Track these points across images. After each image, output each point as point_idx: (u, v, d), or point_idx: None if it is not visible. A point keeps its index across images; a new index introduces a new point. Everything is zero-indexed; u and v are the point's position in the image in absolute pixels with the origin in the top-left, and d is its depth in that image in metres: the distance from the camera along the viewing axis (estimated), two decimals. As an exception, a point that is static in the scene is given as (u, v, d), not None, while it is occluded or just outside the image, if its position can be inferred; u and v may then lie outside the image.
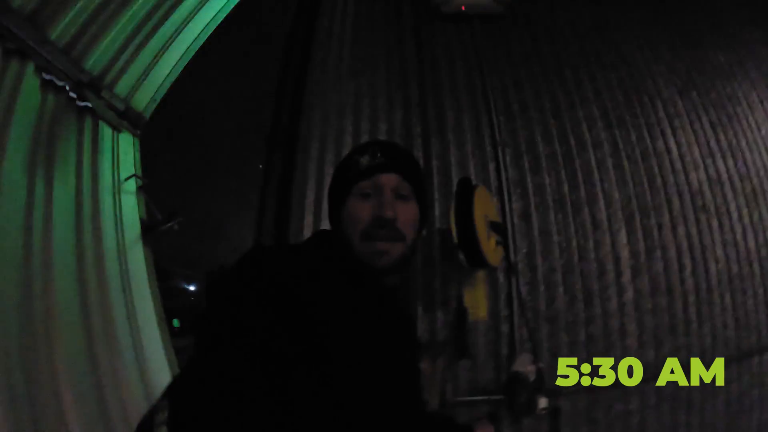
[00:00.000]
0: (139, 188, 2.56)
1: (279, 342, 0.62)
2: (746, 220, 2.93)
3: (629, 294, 2.59)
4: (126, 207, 2.45)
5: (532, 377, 2.27)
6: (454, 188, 2.30)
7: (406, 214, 0.81)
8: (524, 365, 2.27)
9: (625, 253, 2.66)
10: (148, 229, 2.54)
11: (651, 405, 2.45)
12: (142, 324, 2.30)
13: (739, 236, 2.87)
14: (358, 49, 3.01)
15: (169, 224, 2.54)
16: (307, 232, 2.50)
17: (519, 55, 3.12)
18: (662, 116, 3.07)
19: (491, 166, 2.74)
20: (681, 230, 2.77)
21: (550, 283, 2.55)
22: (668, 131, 3.03)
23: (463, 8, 3.18)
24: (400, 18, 3.21)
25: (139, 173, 2.56)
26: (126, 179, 2.47)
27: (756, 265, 2.84)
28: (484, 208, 2.28)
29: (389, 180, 0.82)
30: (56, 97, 2.05)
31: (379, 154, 0.85)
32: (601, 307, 2.54)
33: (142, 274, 2.47)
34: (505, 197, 2.65)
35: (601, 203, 2.74)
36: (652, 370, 2.47)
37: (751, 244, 2.88)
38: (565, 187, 2.74)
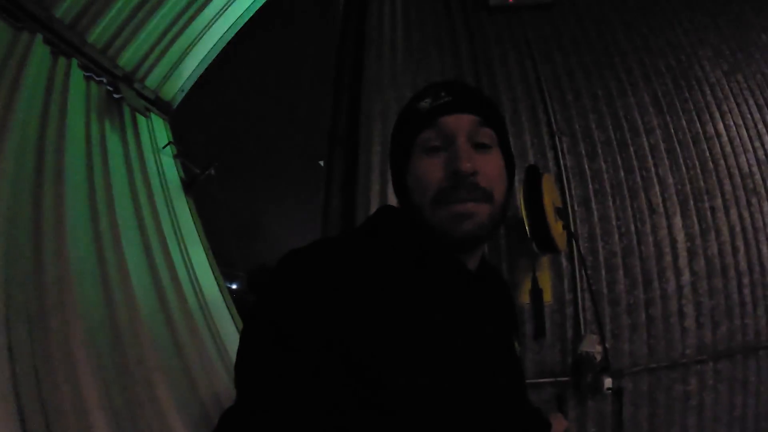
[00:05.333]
0: (175, 156, 2.89)
1: (339, 385, 0.51)
2: (795, 201, 2.99)
3: (686, 276, 2.66)
4: (167, 168, 2.78)
5: (598, 358, 2.37)
6: (522, 176, 2.35)
7: (488, 165, 0.63)
8: (592, 346, 2.36)
9: (681, 237, 2.73)
10: (189, 184, 2.86)
11: (709, 386, 2.54)
12: (198, 270, 2.53)
13: (789, 218, 2.93)
14: (410, 44, 3.03)
15: (206, 173, 2.88)
16: None
17: (569, 44, 3.15)
18: (710, 100, 3.11)
19: (550, 155, 2.80)
20: (733, 213, 2.83)
21: (611, 267, 2.62)
22: (717, 115, 3.07)
23: (510, 0, 3.21)
24: (449, 12, 3.24)
25: (174, 147, 2.89)
26: (164, 147, 2.80)
27: (807, 246, 2.91)
28: (551, 194, 2.35)
29: (461, 123, 0.64)
30: (99, 88, 2.40)
31: (443, 93, 0.66)
32: (660, 290, 2.62)
33: (189, 222, 2.78)
34: (565, 184, 2.71)
35: (657, 188, 2.80)
36: (710, 352, 2.56)
37: (801, 225, 2.94)
38: (621, 173, 2.80)
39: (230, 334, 2.46)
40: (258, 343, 0.53)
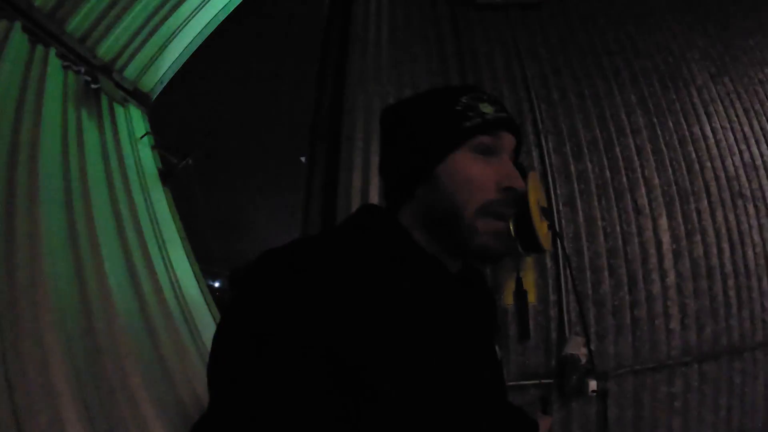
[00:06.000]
0: (153, 147, 2.83)
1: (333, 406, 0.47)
2: (780, 205, 2.98)
3: (671, 278, 2.64)
4: (145, 158, 2.72)
5: (583, 360, 2.33)
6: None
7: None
8: (577, 348, 2.32)
9: (666, 238, 2.70)
10: (166, 174, 2.81)
11: (694, 388, 2.51)
12: (174, 260, 2.48)
13: (774, 220, 2.93)
14: (395, 40, 3.00)
15: (184, 162, 2.84)
16: None
17: (556, 43, 3.13)
18: (697, 102, 3.10)
19: (535, 153, 2.76)
20: (719, 215, 2.82)
21: (596, 268, 2.59)
22: (704, 117, 3.06)
23: (498, -3, 3.19)
24: (435, 8, 3.21)
25: (152, 138, 2.84)
26: (141, 137, 2.74)
27: (791, 249, 2.90)
28: (536, 193, 2.31)
29: (511, 142, 0.66)
30: (76, 77, 2.35)
31: (500, 107, 0.67)
32: (645, 291, 2.59)
33: (166, 212, 2.72)
34: (551, 184, 2.68)
35: (643, 189, 2.78)
36: (695, 353, 2.53)
37: (786, 228, 2.94)
38: (608, 173, 2.77)
39: (207, 323, 2.41)
40: (236, 347, 0.49)
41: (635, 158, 2.85)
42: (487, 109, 0.64)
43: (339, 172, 2.61)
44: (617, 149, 2.85)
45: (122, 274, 1.93)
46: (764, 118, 3.18)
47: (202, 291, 2.57)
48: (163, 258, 2.35)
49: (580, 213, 2.67)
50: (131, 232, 2.16)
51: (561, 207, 2.67)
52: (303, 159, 2.88)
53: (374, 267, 0.56)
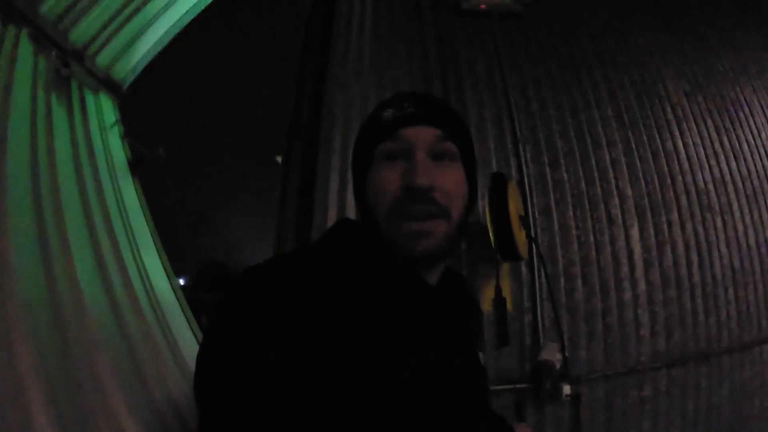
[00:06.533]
0: (123, 136, 2.75)
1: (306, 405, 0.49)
2: (747, 219, 3.10)
3: (642, 286, 2.71)
4: (114, 148, 2.64)
5: (558, 365, 2.38)
6: (488, 183, 2.36)
7: (448, 180, 0.62)
8: (552, 354, 2.37)
9: (638, 248, 2.78)
10: (136, 164, 2.75)
11: (663, 392, 2.58)
12: (140, 243, 2.43)
13: (740, 234, 3.04)
14: (377, 41, 3.03)
15: (155, 152, 2.77)
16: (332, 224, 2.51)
17: (537, 54, 3.20)
18: (671, 118, 3.21)
19: (513, 162, 2.82)
20: (689, 227, 2.91)
21: (570, 276, 2.65)
22: (677, 133, 3.16)
23: (483, 6, 3.25)
24: (419, 12, 3.25)
25: (121, 127, 2.76)
26: (111, 126, 2.68)
27: (756, 262, 3.01)
28: (515, 202, 2.36)
29: (422, 135, 0.62)
30: (47, 62, 2.26)
31: (406, 104, 0.65)
32: (617, 299, 2.66)
33: (135, 202, 2.66)
34: (527, 192, 2.74)
35: (616, 200, 2.86)
36: (664, 359, 2.61)
37: (752, 241, 3.05)
38: (583, 184, 2.85)
39: (179, 322, 2.38)
40: (220, 359, 0.51)
41: (610, 170, 2.93)
42: (387, 113, 0.65)
43: (316, 174, 2.62)
44: (593, 160, 2.93)
45: (91, 266, 1.90)
46: (734, 135, 3.31)
47: (172, 285, 2.55)
48: (132, 249, 2.31)
49: (556, 222, 2.73)
50: (100, 222, 2.11)
51: (537, 215, 2.73)
52: (278, 158, 2.88)
53: (350, 279, 0.58)
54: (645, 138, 3.07)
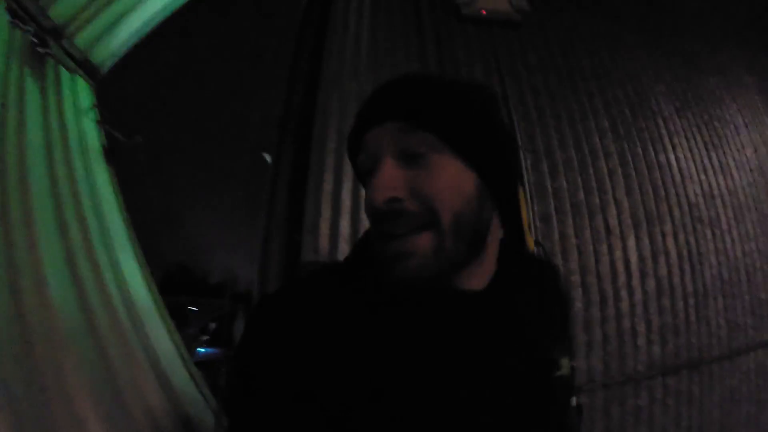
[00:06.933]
0: (98, 121, 2.66)
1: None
2: (734, 232, 3.20)
3: (638, 295, 2.75)
4: (88, 133, 2.54)
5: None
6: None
7: (423, 181, 0.51)
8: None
9: (634, 258, 2.82)
10: (110, 152, 2.66)
11: (658, 399, 2.61)
12: (115, 238, 2.36)
13: (728, 246, 3.13)
14: (375, 40, 2.98)
15: (132, 140, 2.71)
16: (324, 228, 2.43)
17: (535, 64, 3.24)
18: (663, 132, 3.29)
19: (515, 169, 2.83)
20: (681, 238, 2.98)
21: (569, 284, 2.66)
22: (669, 147, 3.25)
23: (483, 12, 3.27)
24: (418, 13, 3.24)
25: (97, 112, 2.67)
26: (87, 110, 2.58)
27: (743, 273, 3.11)
28: (524, 210, 2.36)
29: (382, 136, 0.52)
30: (23, 36, 2.17)
31: (369, 101, 0.56)
32: (615, 308, 2.68)
33: (108, 190, 2.56)
34: (528, 200, 2.75)
35: (614, 210, 2.90)
36: (659, 367, 2.64)
37: (739, 253, 3.15)
38: (582, 193, 2.88)
39: (155, 325, 2.26)
40: (235, 390, 0.55)
41: (607, 180, 2.98)
42: (355, 119, 0.58)
43: (309, 173, 2.54)
44: (591, 170, 2.97)
45: (59, 257, 1.77)
46: (721, 151, 3.42)
47: (146, 282, 2.43)
48: (104, 242, 2.19)
49: (556, 230, 2.74)
50: (69, 208, 1.99)
51: (538, 224, 2.74)
52: (266, 156, 2.79)
53: (363, 307, 0.54)
54: (639, 150, 3.14)
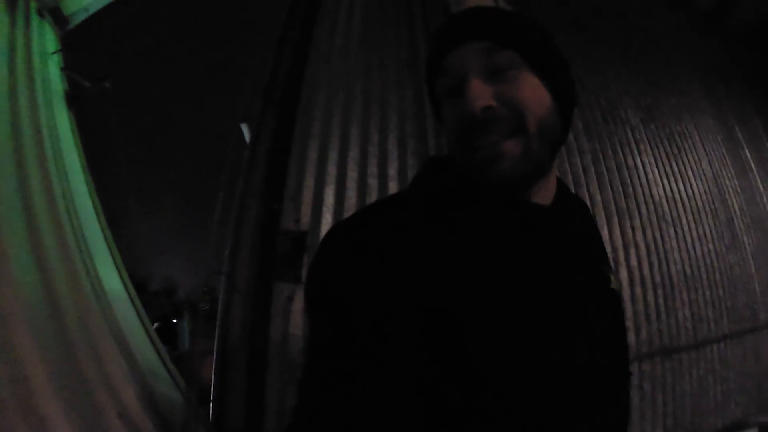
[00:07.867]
0: (62, 68, 2.53)
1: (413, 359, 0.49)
2: (694, 232, 3.42)
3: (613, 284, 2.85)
4: (53, 78, 2.43)
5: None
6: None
7: (510, 91, 0.55)
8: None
9: (608, 248, 2.94)
10: (73, 99, 2.52)
11: (635, 384, 2.66)
12: (72, 183, 2.22)
13: (689, 245, 3.33)
14: (368, 20, 3.01)
15: (99, 84, 2.52)
16: (308, 196, 2.37)
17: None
18: (630, 138, 3.53)
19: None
20: (649, 233, 3.15)
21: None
22: (635, 151, 3.48)
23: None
24: (409, 5, 3.33)
25: (62, 58, 2.53)
26: (53, 53, 2.45)
27: (703, 270, 3.30)
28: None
29: (467, 55, 0.56)
30: None
31: (448, 26, 0.60)
32: (591, 292, 2.76)
33: (69, 137, 2.43)
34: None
35: (588, 203, 3.03)
36: (634, 353, 2.71)
37: (699, 252, 3.35)
38: (560, 184, 3.00)
39: (125, 309, 2.09)
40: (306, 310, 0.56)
41: (582, 176, 3.13)
42: (432, 45, 0.61)
43: (292, 140, 2.48)
44: (566, 165, 3.12)
45: (16, 203, 1.61)
46: (680, 160, 3.70)
47: (97, 212, 2.29)
48: (61, 183, 2.04)
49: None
50: (31, 156, 1.85)
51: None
52: (243, 126, 2.73)
53: (446, 213, 0.56)
54: (610, 151, 3.34)
